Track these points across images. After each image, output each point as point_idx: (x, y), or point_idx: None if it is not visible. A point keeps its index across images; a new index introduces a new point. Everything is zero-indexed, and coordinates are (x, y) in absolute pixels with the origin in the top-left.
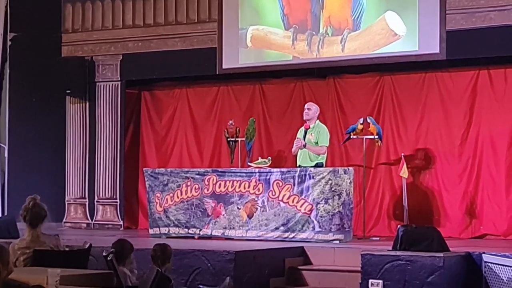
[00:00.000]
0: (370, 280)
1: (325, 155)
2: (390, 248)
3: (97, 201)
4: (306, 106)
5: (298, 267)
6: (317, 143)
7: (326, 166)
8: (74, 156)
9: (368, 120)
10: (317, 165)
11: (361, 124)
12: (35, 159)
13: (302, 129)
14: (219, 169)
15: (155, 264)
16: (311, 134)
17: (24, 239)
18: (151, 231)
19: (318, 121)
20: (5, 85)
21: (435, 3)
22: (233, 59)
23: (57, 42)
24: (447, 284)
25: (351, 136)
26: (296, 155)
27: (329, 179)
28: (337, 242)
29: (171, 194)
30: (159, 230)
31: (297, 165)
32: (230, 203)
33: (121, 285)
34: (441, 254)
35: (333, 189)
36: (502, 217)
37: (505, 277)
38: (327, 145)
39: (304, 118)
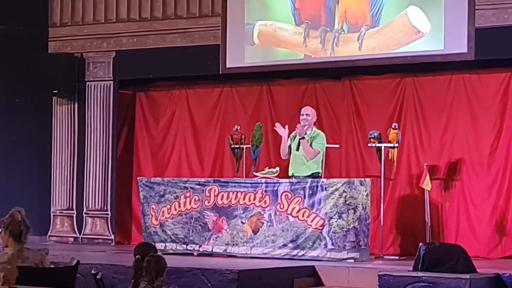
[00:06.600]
0: None
1: (322, 164)
2: (411, 268)
3: (85, 213)
4: (303, 111)
5: None
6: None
7: (341, 177)
8: (60, 163)
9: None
10: (313, 176)
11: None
12: (18, 166)
13: (296, 135)
14: (222, 179)
15: (147, 276)
16: (307, 140)
17: (6, 253)
18: None
19: (315, 127)
20: None
21: None
22: (238, 57)
23: (44, 37)
24: None
25: (369, 144)
26: (288, 161)
27: (344, 191)
28: (352, 261)
29: (168, 206)
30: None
31: (289, 175)
32: (233, 217)
33: None
34: (467, 276)
35: (347, 202)
36: None
37: None
38: (321, 151)
39: (303, 124)
